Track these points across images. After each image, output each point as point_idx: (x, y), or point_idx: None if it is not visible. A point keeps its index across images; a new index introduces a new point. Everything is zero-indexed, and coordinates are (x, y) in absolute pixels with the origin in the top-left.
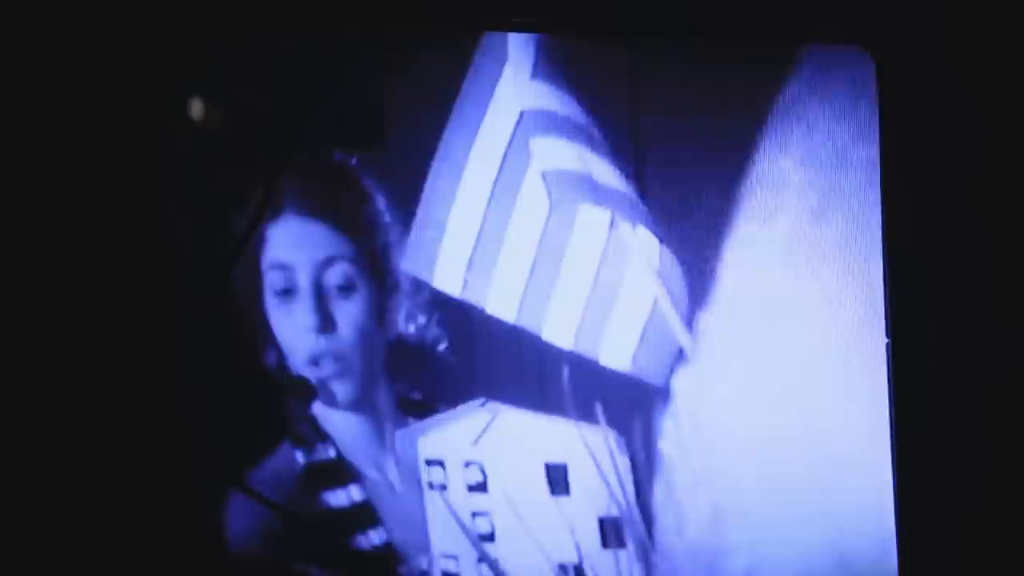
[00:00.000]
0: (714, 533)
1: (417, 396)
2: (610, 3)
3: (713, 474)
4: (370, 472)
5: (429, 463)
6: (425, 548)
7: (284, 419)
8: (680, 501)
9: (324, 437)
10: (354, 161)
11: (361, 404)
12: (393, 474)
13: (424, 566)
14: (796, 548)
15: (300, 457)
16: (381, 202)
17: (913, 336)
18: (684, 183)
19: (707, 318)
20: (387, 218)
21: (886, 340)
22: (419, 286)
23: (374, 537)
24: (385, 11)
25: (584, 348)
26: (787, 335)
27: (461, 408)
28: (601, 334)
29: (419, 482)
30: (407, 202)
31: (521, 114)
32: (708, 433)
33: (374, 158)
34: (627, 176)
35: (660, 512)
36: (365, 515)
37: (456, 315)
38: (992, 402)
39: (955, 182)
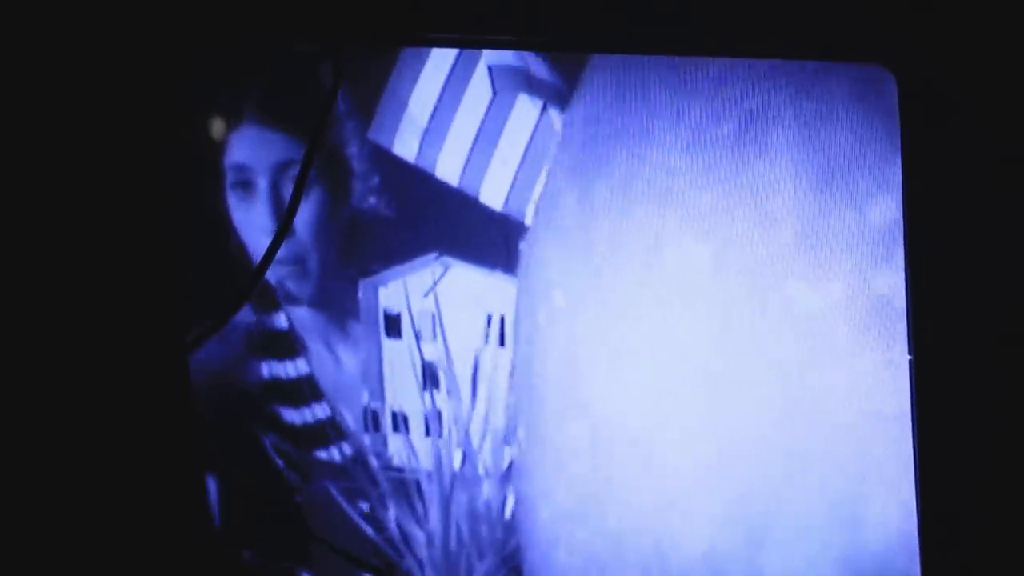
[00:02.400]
0: None
1: (375, 267)
2: (623, 18)
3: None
4: (317, 347)
5: (387, 313)
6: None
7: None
8: None
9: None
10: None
11: (318, 296)
12: (342, 348)
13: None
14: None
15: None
16: (338, 93)
17: (936, 351)
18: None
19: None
20: (340, 107)
21: (909, 357)
22: (372, 167)
23: (318, 411)
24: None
25: (513, 210)
26: (805, 348)
27: (418, 260)
28: (528, 199)
29: (377, 332)
30: (363, 93)
31: None
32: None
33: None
34: (562, 76)
35: None
36: (310, 388)
37: (406, 181)
38: (1020, 418)
39: (977, 196)
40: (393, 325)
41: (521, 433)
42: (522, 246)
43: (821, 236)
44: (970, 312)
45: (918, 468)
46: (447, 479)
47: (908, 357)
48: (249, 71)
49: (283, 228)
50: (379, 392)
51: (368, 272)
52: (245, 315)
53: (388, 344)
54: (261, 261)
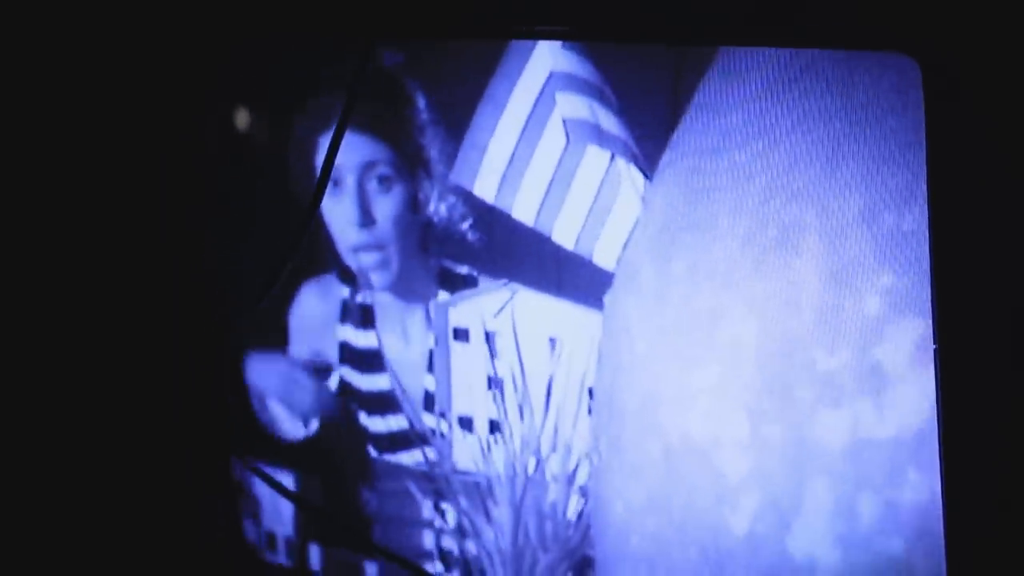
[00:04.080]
0: None
1: (459, 269)
2: (650, 7)
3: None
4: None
5: (456, 331)
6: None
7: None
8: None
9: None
10: (401, 58)
11: (396, 288)
12: (414, 344)
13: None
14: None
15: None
16: (421, 102)
17: (961, 342)
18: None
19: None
20: (424, 117)
21: (934, 346)
22: (448, 174)
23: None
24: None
25: (583, 250)
26: (829, 338)
27: (487, 284)
28: (597, 239)
29: (447, 348)
30: (444, 106)
31: (551, 73)
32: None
33: (421, 59)
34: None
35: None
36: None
37: (484, 213)
38: None
39: (1004, 187)
40: (464, 339)
41: (603, 446)
42: (606, 299)
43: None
44: (996, 304)
45: (943, 459)
46: (519, 481)
47: (933, 346)
48: (339, 77)
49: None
50: (448, 399)
51: (443, 284)
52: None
53: (458, 355)
54: (308, 207)
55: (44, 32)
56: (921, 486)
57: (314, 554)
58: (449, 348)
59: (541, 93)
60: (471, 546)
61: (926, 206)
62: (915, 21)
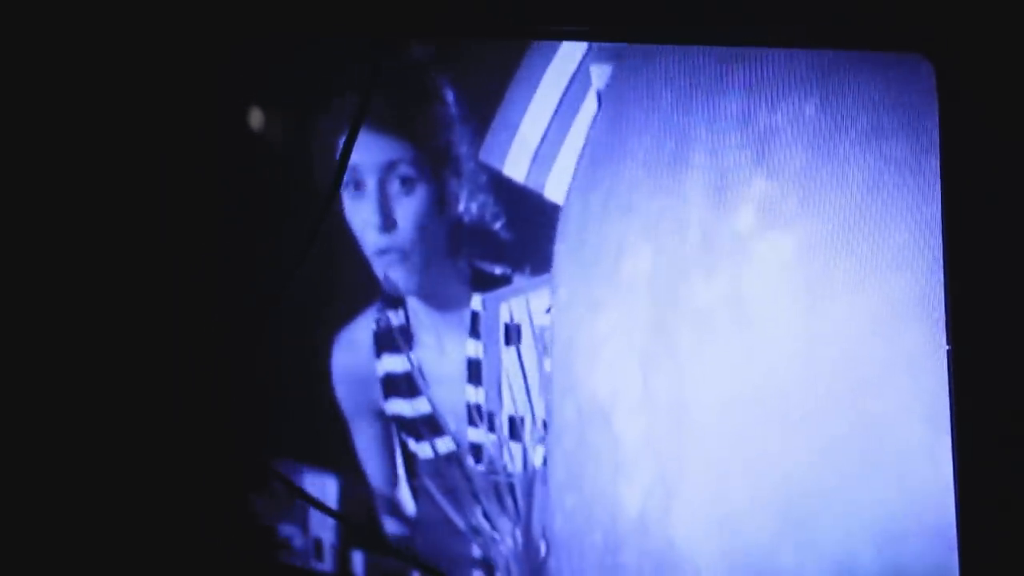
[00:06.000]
0: None
1: (494, 269)
2: (666, 8)
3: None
4: (429, 340)
5: (507, 327)
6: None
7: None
8: None
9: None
10: (431, 52)
11: (425, 294)
12: (449, 347)
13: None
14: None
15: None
16: (450, 97)
17: (974, 344)
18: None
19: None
20: (453, 111)
21: (947, 347)
22: (479, 170)
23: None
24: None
25: None
26: (841, 342)
27: (535, 279)
28: None
29: (496, 343)
30: (474, 98)
31: (588, 47)
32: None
33: (452, 55)
34: None
35: None
36: (418, 381)
37: (513, 196)
38: None
39: (1018, 187)
40: (512, 337)
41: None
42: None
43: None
44: (1008, 303)
45: (955, 458)
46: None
47: (946, 347)
48: (357, 76)
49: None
50: (497, 396)
51: (477, 286)
52: (372, 311)
53: (507, 353)
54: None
55: (80, 34)
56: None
57: (357, 561)
58: (499, 349)
59: (578, 68)
60: (508, 549)
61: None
62: (929, 22)
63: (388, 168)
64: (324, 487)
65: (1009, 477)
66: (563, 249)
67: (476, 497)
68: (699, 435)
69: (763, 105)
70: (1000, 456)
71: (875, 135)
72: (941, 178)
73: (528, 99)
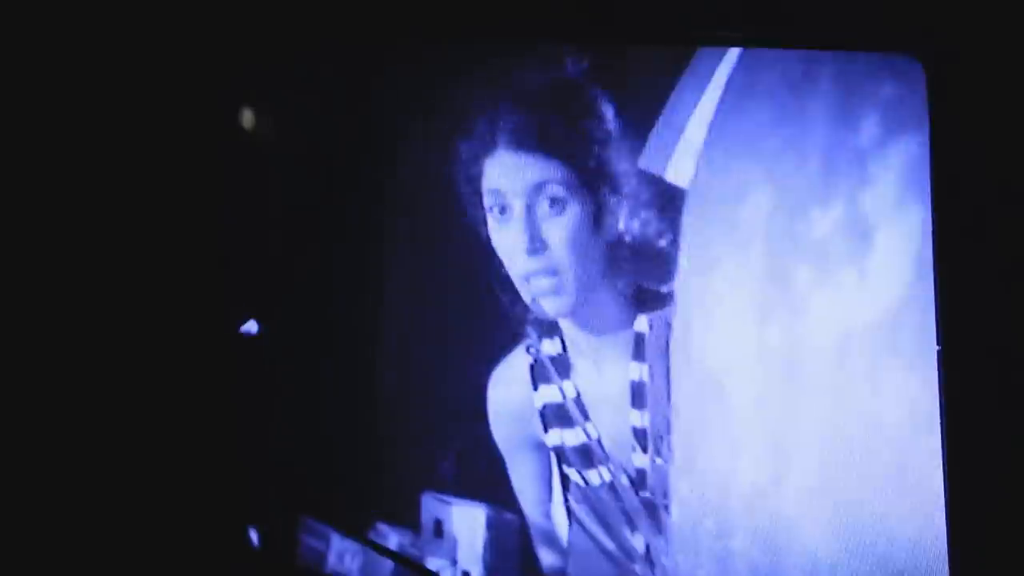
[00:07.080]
0: None
1: (656, 287)
2: (653, 10)
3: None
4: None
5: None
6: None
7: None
8: None
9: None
10: (586, 64)
11: (575, 313)
12: (608, 371)
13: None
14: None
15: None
16: (609, 112)
17: (964, 344)
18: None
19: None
20: (609, 128)
21: (937, 348)
22: (642, 186)
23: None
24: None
25: None
26: (834, 344)
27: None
28: None
29: (665, 364)
30: (636, 110)
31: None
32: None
33: (607, 65)
34: None
35: None
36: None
37: (679, 209)
38: None
39: (1007, 188)
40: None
41: None
42: None
43: None
44: (999, 306)
45: (946, 461)
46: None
47: (936, 348)
48: (501, 98)
49: None
50: (664, 420)
51: (641, 307)
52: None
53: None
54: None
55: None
56: None
57: None
58: (667, 371)
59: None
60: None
61: None
62: (919, 23)
63: (536, 190)
64: (474, 519)
65: (1000, 476)
66: (688, 221)
67: (631, 520)
68: (810, 390)
69: None
70: (992, 454)
71: None
72: (931, 178)
73: (694, 102)
